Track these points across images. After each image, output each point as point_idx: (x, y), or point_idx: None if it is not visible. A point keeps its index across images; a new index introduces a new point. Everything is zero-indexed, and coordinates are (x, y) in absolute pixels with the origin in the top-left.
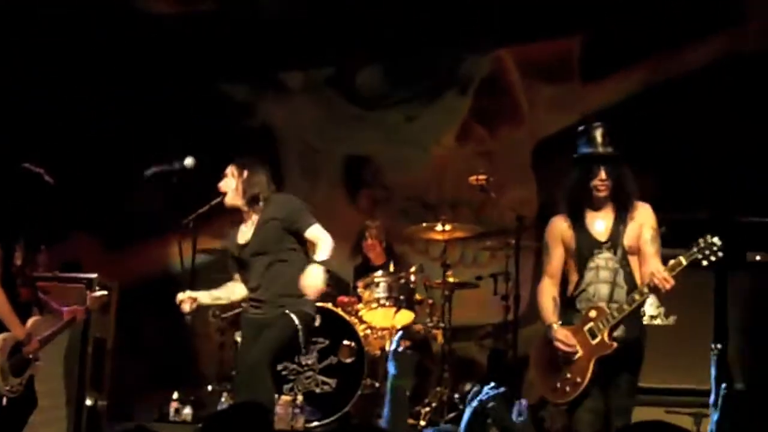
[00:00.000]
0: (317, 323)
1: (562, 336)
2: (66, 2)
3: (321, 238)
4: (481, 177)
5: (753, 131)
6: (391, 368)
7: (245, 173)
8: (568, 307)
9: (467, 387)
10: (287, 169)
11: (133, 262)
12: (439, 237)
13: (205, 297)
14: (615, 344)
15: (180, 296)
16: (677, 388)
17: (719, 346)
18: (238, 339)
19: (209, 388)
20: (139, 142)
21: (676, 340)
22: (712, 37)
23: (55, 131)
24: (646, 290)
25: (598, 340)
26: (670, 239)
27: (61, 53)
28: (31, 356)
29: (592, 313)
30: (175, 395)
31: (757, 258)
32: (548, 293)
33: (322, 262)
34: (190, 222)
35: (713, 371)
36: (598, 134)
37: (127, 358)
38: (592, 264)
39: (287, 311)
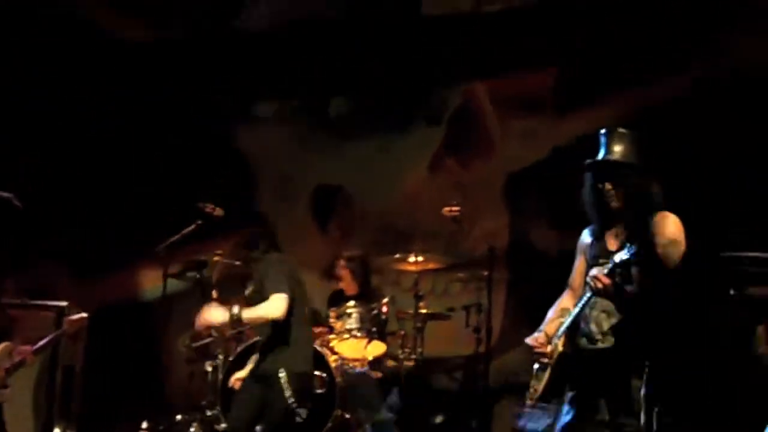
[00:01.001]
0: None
1: (531, 340)
2: (35, 30)
3: (267, 305)
4: (455, 208)
5: (725, 164)
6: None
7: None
8: None
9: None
10: (261, 197)
11: (102, 290)
12: (412, 268)
13: None
14: (561, 349)
15: None
16: None
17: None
18: (209, 369)
19: (178, 417)
20: (110, 171)
21: None
22: (683, 69)
23: (25, 158)
24: (588, 292)
25: (551, 347)
26: None
27: (36, 80)
28: None
29: (562, 319)
30: (144, 425)
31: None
32: (560, 302)
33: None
34: (162, 250)
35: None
36: (614, 140)
37: (96, 386)
38: None
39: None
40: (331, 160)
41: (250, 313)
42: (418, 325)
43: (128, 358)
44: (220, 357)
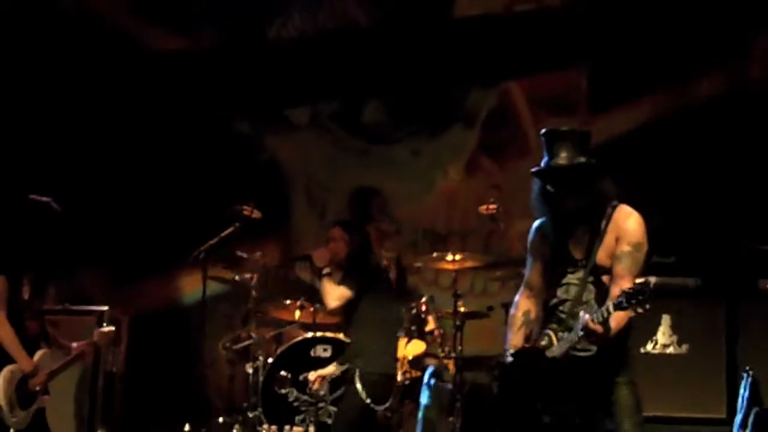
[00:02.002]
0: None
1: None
2: (73, 42)
3: None
4: (492, 206)
5: (761, 160)
6: (424, 398)
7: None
8: (544, 318)
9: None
10: (295, 204)
11: (142, 295)
12: (450, 267)
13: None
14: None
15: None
16: (689, 417)
17: (750, 370)
18: (249, 371)
19: (220, 420)
20: (148, 177)
21: (688, 369)
22: (718, 69)
23: (65, 166)
24: (580, 333)
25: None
26: (679, 269)
27: (72, 89)
28: (38, 389)
29: (544, 341)
30: (187, 428)
31: None
32: (521, 307)
33: None
34: (201, 253)
35: (745, 393)
36: (556, 142)
37: (137, 391)
38: (564, 280)
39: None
40: (366, 165)
41: None
42: (458, 323)
43: (169, 361)
44: (261, 358)
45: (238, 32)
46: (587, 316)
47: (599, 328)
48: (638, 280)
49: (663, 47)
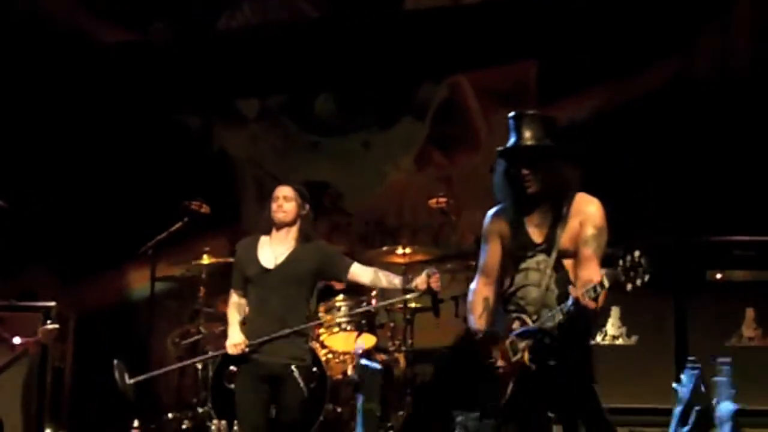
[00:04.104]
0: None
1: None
2: (22, 36)
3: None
4: (442, 200)
5: (708, 152)
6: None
7: (306, 207)
8: (501, 305)
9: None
10: (244, 196)
11: (90, 291)
12: (400, 260)
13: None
14: (534, 366)
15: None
16: (640, 408)
17: (696, 362)
18: (199, 366)
19: (169, 416)
20: (94, 172)
21: (637, 360)
22: (665, 61)
23: (11, 162)
24: (566, 310)
25: (518, 357)
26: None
27: (18, 84)
28: None
29: (515, 325)
30: (136, 424)
31: (717, 276)
32: (480, 293)
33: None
34: (149, 249)
35: (689, 386)
36: (524, 124)
37: (86, 387)
38: (523, 265)
39: (293, 368)
40: (316, 157)
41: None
42: (408, 317)
43: (117, 357)
44: (210, 354)
45: (187, 24)
46: (577, 292)
47: (591, 304)
48: (636, 253)
49: (611, 39)
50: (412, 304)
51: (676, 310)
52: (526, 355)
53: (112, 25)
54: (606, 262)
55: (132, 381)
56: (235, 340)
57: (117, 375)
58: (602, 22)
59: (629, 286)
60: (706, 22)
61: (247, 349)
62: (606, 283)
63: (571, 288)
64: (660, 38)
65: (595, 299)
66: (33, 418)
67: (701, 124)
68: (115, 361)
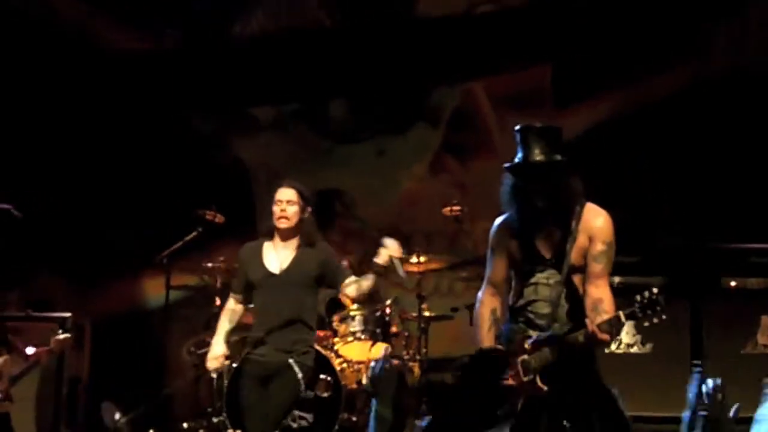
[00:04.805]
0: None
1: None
2: (35, 42)
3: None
4: (455, 208)
5: (723, 157)
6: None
7: (308, 208)
8: (510, 317)
9: None
10: (258, 203)
11: (106, 300)
12: (414, 269)
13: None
14: (545, 388)
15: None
16: (654, 416)
17: (701, 367)
18: (214, 375)
19: (185, 425)
20: (109, 180)
21: (653, 368)
22: (680, 65)
23: (26, 171)
24: (581, 338)
25: (530, 378)
26: (643, 268)
27: (32, 91)
28: (1, 395)
29: (528, 344)
30: None
31: (732, 284)
32: (487, 305)
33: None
34: (164, 258)
35: (693, 392)
36: (530, 138)
37: (101, 396)
38: (532, 279)
39: (291, 361)
40: (330, 164)
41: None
42: (422, 325)
43: (133, 366)
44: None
45: (201, 31)
46: (592, 326)
47: (606, 337)
48: (654, 290)
49: (625, 42)
50: (427, 313)
51: (692, 318)
52: (539, 379)
53: (126, 33)
54: (621, 293)
55: (124, 419)
56: (215, 353)
57: (106, 418)
58: (616, 25)
59: (646, 324)
60: (721, 24)
61: (227, 362)
62: (624, 321)
63: (588, 321)
64: (675, 41)
65: (610, 333)
66: (49, 428)
67: (718, 128)
68: (103, 405)
